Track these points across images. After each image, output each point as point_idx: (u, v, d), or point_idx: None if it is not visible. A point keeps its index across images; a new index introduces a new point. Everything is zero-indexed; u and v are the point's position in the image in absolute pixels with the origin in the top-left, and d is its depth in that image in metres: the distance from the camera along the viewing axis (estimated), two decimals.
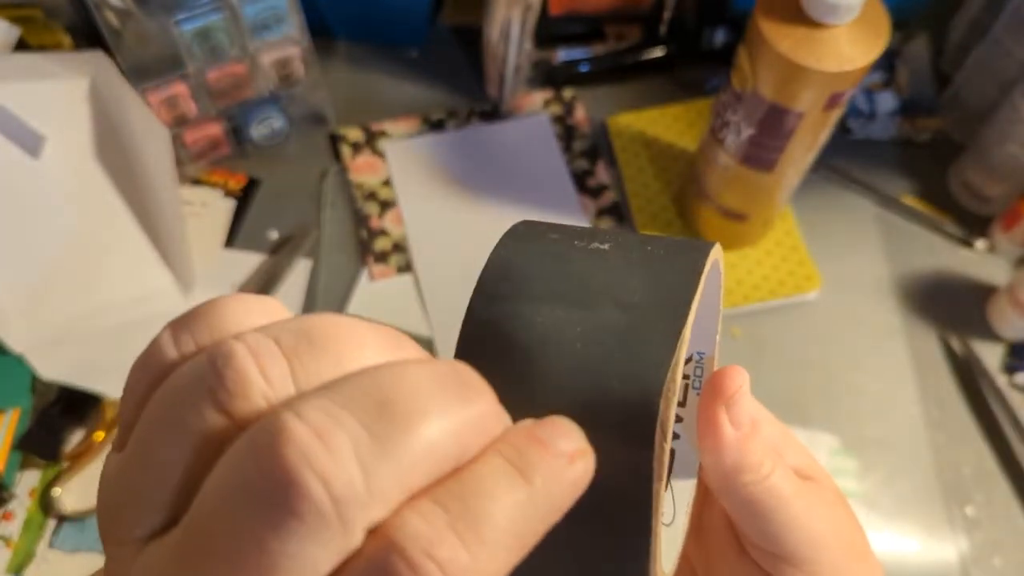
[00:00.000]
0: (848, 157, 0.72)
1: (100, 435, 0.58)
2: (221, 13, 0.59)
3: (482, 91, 0.74)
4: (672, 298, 0.19)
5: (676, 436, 0.25)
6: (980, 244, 0.68)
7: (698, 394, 0.25)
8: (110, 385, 0.57)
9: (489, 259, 0.20)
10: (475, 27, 0.73)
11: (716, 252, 0.22)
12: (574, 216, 0.69)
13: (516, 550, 0.14)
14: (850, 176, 0.71)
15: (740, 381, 0.22)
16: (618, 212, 0.69)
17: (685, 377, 0.25)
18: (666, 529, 0.24)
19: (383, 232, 0.67)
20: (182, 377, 0.16)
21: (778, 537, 0.23)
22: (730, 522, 0.25)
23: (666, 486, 0.24)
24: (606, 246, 0.20)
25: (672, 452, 0.25)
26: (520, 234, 0.21)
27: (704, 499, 0.27)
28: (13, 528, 0.55)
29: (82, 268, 0.57)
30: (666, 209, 0.69)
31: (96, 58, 0.58)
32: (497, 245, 0.21)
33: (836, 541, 0.24)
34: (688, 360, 0.25)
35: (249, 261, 0.66)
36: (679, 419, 0.25)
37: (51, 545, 0.55)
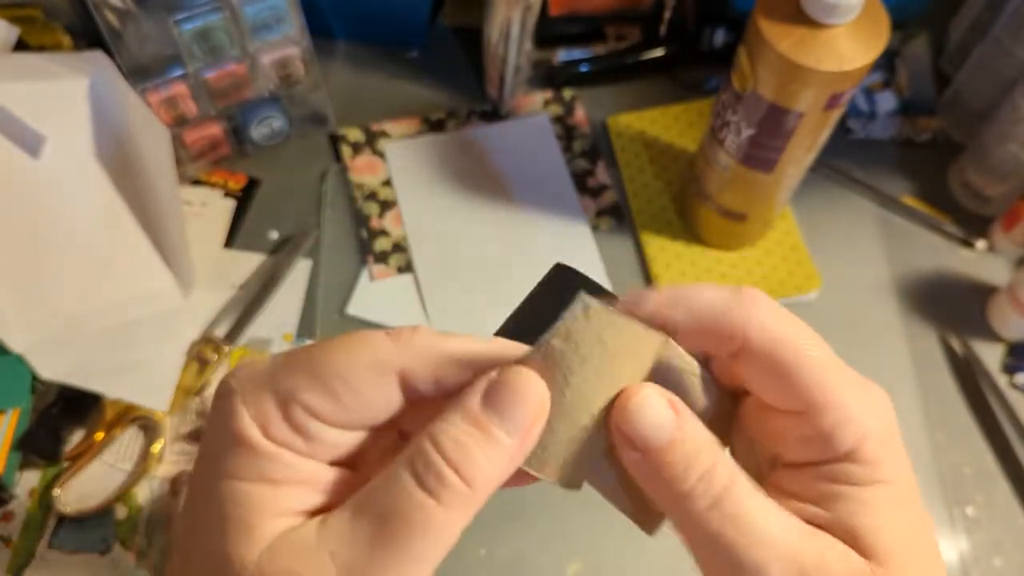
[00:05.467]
0: (848, 157, 0.72)
1: (100, 435, 0.58)
2: (221, 13, 0.59)
3: (482, 91, 0.75)
4: None
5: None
6: (980, 244, 0.68)
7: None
8: (110, 385, 0.57)
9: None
10: (475, 27, 0.73)
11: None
12: (574, 216, 0.69)
13: None
14: (850, 176, 0.71)
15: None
16: (618, 212, 0.69)
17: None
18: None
19: (383, 232, 0.67)
20: None
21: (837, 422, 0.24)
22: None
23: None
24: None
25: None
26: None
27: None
28: (13, 528, 0.55)
29: (82, 268, 0.57)
30: (666, 209, 0.69)
31: (96, 58, 0.58)
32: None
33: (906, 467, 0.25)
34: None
35: (249, 261, 0.66)
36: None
37: (51, 545, 0.55)
